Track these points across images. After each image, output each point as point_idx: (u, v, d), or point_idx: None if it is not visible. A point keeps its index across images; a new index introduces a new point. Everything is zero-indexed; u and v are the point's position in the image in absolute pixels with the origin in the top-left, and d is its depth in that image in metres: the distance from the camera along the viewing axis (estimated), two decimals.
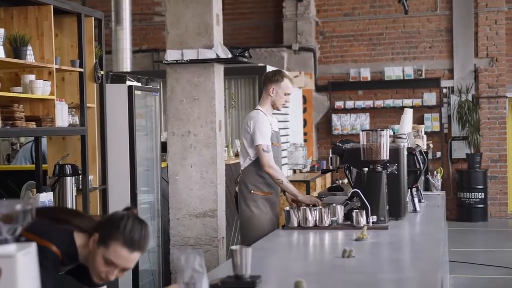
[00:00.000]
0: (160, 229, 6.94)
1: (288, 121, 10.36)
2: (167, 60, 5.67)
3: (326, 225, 4.43)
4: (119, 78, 7.20)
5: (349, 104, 13.00)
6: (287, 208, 4.54)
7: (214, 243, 5.69)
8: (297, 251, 4.18)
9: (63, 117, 5.44)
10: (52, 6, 5.34)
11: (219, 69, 5.80)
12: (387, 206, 4.57)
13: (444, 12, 12.84)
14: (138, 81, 7.34)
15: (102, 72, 6.08)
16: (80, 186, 5.72)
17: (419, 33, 12.94)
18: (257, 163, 5.20)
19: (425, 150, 6.40)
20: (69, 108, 5.60)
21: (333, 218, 4.47)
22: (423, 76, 12.84)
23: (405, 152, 4.93)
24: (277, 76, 5.30)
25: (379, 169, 4.60)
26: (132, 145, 6.39)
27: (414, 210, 5.22)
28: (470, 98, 12.51)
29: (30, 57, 5.12)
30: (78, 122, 5.72)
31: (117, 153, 6.30)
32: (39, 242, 2.54)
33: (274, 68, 7.27)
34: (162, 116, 9.00)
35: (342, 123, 13.01)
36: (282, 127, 9.46)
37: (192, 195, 5.70)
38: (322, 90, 13.16)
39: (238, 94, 10.20)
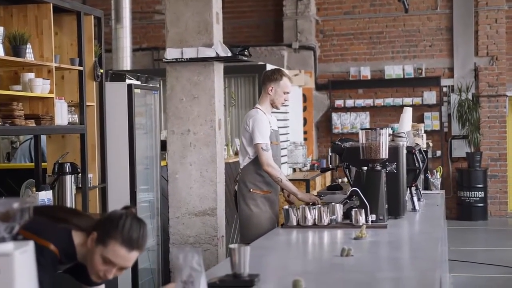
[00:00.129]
0: (160, 227, 6.94)
1: (288, 119, 10.36)
2: (166, 59, 5.66)
3: (325, 224, 4.43)
4: (119, 76, 7.20)
5: (349, 102, 13.00)
6: (286, 206, 4.54)
7: (213, 241, 5.69)
8: (296, 249, 4.18)
9: (63, 115, 5.44)
10: (51, 4, 5.34)
11: (219, 68, 5.80)
12: (386, 205, 4.57)
13: (444, 10, 12.83)
14: (137, 80, 7.34)
15: (101, 71, 6.08)
16: (80, 185, 5.72)
17: (419, 31, 12.94)
18: (256, 161, 5.20)
19: (425, 149, 6.39)
20: (68, 106, 5.60)
21: (332, 217, 4.47)
22: (423, 75, 12.84)
23: (404, 151, 4.93)
24: (276, 75, 5.30)
25: (378, 168, 4.60)
26: (131, 143, 6.39)
27: (413, 209, 5.22)
28: (470, 96, 12.51)
29: (29, 56, 5.12)
30: (77, 121, 5.72)
31: (116, 151, 6.30)
32: (37, 241, 2.54)
33: (274, 67, 7.27)
34: (162, 114, 9.00)
35: (342, 122, 13.01)
36: (282, 125, 9.46)
37: (191, 193, 5.69)
38: (322, 88, 13.16)
39: (238, 92, 10.20)
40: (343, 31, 13.18)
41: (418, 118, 12.32)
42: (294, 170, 10.36)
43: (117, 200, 5.97)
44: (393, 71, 12.85)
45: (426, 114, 12.73)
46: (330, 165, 5.33)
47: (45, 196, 5.28)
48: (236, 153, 8.09)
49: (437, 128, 12.72)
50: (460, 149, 12.69)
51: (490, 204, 12.61)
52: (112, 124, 6.24)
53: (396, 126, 6.20)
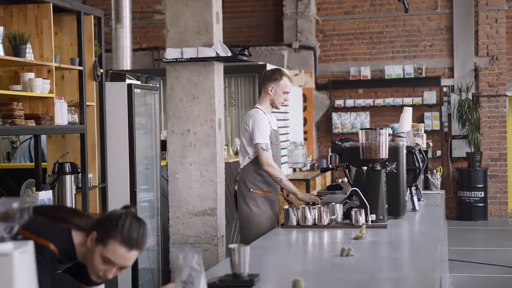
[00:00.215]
0: (160, 227, 6.94)
1: (288, 119, 10.36)
2: (166, 59, 5.66)
3: (325, 223, 4.43)
4: (119, 76, 7.20)
5: (349, 102, 13.00)
6: (286, 206, 4.54)
7: (213, 241, 5.69)
8: (296, 249, 4.18)
9: (63, 115, 5.44)
10: (51, 4, 5.34)
11: (219, 68, 5.80)
12: (386, 205, 4.57)
13: (444, 10, 12.83)
14: (137, 79, 7.34)
15: (101, 70, 6.08)
16: (80, 184, 5.72)
17: (419, 31, 12.94)
18: (256, 161, 5.20)
19: (425, 149, 6.39)
20: (68, 106, 5.60)
21: (332, 216, 4.47)
22: (423, 75, 12.84)
23: (404, 151, 4.93)
24: (275, 75, 5.30)
25: (378, 167, 4.60)
26: (131, 143, 6.39)
27: (413, 209, 5.22)
28: (470, 96, 12.51)
29: (29, 55, 5.12)
30: (77, 120, 5.72)
31: (116, 151, 6.30)
32: (37, 241, 2.54)
33: (274, 67, 7.26)
34: (162, 114, 9.00)
35: (342, 122, 13.01)
36: (282, 125, 9.46)
37: (191, 193, 5.69)
38: (322, 88, 13.16)
39: (238, 92, 10.20)
40: (343, 31, 13.18)
41: (418, 118, 12.32)
42: (294, 170, 10.36)
43: (117, 200, 5.96)
44: (393, 71, 12.85)
45: (426, 114, 12.73)
46: (330, 165, 5.32)
47: (45, 196, 5.28)
48: (236, 153, 8.09)
49: (437, 128, 12.72)
50: (460, 149, 12.69)
51: (490, 204, 12.60)
52: (112, 124, 6.24)
53: (396, 126, 6.20)
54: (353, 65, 13.11)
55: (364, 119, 12.94)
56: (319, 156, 12.85)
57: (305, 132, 12.28)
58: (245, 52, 5.77)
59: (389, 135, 5.04)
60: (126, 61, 11.07)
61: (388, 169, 4.68)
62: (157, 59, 12.90)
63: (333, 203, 4.54)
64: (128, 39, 11.14)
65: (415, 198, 5.27)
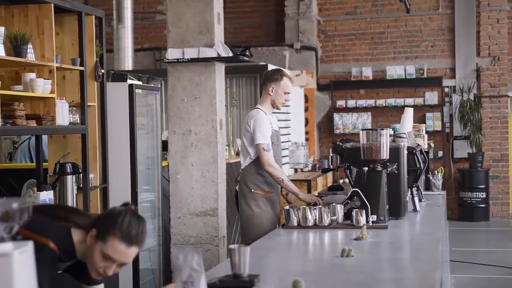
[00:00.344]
0: (161, 228, 6.94)
1: (289, 120, 10.36)
2: (168, 59, 5.66)
3: (326, 224, 4.43)
4: (120, 76, 7.20)
5: (351, 103, 12.99)
6: (287, 207, 4.54)
7: (215, 242, 5.69)
8: (297, 250, 4.18)
9: (64, 115, 5.44)
10: (52, 4, 5.34)
11: (220, 68, 5.80)
12: (387, 206, 4.57)
13: (446, 11, 12.83)
14: (139, 80, 7.34)
15: (102, 71, 6.08)
16: (81, 185, 5.72)
17: (421, 32, 12.93)
18: (258, 162, 5.20)
19: (426, 150, 6.39)
20: (69, 106, 5.60)
21: (333, 217, 4.47)
22: (425, 75, 12.83)
23: (405, 152, 4.93)
24: (276, 75, 5.30)
25: (379, 168, 4.60)
26: (133, 143, 6.39)
27: (414, 210, 5.22)
28: (472, 97, 12.50)
29: (30, 56, 5.12)
30: (78, 121, 5.72)
31: (117, 151, 6.30)
32: (37, 239, 2.55)
33: (275, 67, 7.27)
34: (163, 114, 9.00)
35: (344, 122, 13.01)
36: (283, 126, 9.46)
37: (193, 194, 5.70)
38: (323, 89, 13.15)
39: (239, 93, 10.20)
40: (345, 32, 13.18)
41: (420, 119, 12.32)
42: (296, 170, 10.36)
43: (118, 200, 5.90)
44: (394, 71, 12.84)
45: (428, 114, 12.72)
46: (331, 166, 5.33)
47: (46, 196, 5.28)
48: (237, 154, 8.09)
49: (439, 128, 12.71)
50: (462, 149, 12.68)
51: (492, 205, 12.59)
52: (113, 124, 6.24)
53: (398, 127, 6.20)
54: (355, 65, 13.11)
55: (365, 119, 12.94)
56: (321, 156, 12.85)
57: (306, 133, 12.28)
58: (246, 53, 5.78)
59: (390, 135, 5.03)
60: (127, 62, 11.07)
61: (389, 169, 4.68)
62: (158, 59, 12.91)
63: (334, 204, 4.54)
64: (130, 40, 11.15)
65: (416, 199, 5.27)
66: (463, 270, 8.27)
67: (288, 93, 5.35)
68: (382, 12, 13.05)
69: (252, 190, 5.24)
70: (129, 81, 6.80)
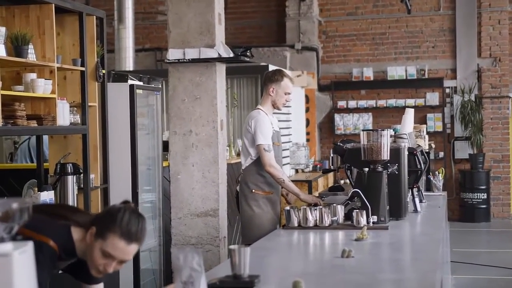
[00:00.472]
0: (162, 228, 6.94)
1: (290, 120, 10.36)
2: (169, 59, 5.66)
3: (326, 225, 4.43)
4: (121, 77, 7.20)
5: (352, 103, 12.99)
6: (288, 207, 4.54)
7: (215, 242, 5.69)
8: (297, 251, 4.18)
9: (65, 116, 5.44)
10: (53, 4, 5.34)
11: (221, 69, 5.80)
12: (388, 206, 4.57)
13: (447, 11, 12.82)
14: (140, 80, 7.34)
15: (103, 71, 6.08)
16: (82, 185, 5.73)
17: (422, 32, 12.93)
18: (258, 162, 5.21)
19: (427, 150, 6.39)
20: (70, 107, 5.60)
21: (334, 218, 4.47)
22: (426, 76, 12.82)
23: (406, 152, 4.93)
24: (277, 76, 5.30)
25: (380, 169, 4.60)
26: (133, 144, 6.39)
27: (415, 210, 5.22)
28: (473, 98, 12.49)
29: (31, 56, 5.13)
30: (79, 121, 5.72)
31: (118, 152, 6.30)
32: (36, 237, 2.56)
33: (276, 68, 7.27)
34: (164, 115, 9.00)
35: (345, 123, 13.00)
36: (284, 126, 9.45)
37: (193, 194, 5.69)
38: (324, 89, 13.15)
39: (240, 93, 10.19)
40: (346, 32, 13.17)
41: (420, 119, 12.31)
42: (297, 171, 10.35)
43: (119, 200, 5.94)
44: (395, 72, 12.84)
45: (429, 115, 12.72)
46: (331, 166, 5.33)
47: (47, 197, 5.29)
48: (238, 154, 8.09)
49: (440, 129, 12.70)
50: (462, 150, 12.68)
51: (493, 206, 12.58)
52: (114, 125, 6.24)
53: (399, 127, 6.19)
54: (356, 66, 13.10)
55: (366, 120, 12.94)
56: (322, 157, 12.84)
57: (307, 133, 12.27)
58: (247, 53, 5.77)
59: (391, 136, 5.03)
60: (128, 62, 11.07)
61: (389, 170, 4.68)
62: (159, 59, 12.90)
63: (334, 205, 4.54)
64: (131, 40, 11.15)
65: (416, 200, 5.27)
66: (463, 271, 8.26)
67: (289, 93, 5.35)
68: (383, 13, 13.05)
69: (253, 190, 5.24)
70: (130, 82, 6.80)
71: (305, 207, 4.53)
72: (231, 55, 5.58)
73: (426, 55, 12.93)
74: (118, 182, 6.27)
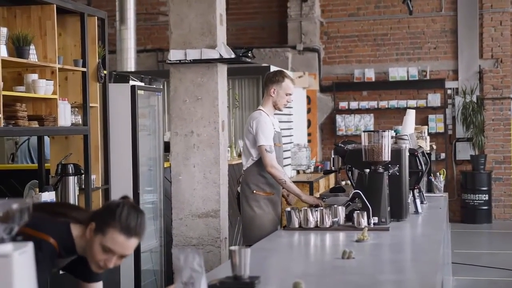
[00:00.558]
0: (163, 229, 6.95)
1: (292, 121, 10.36)
2: (170, 60, 5.66)
3: (327, 226, 4.43)
4: (123, 77, 7.20)
5: (353, 104, 12.99)
6: (289, 208, 4.54)
7: (216, 243, 5.69)
8: (298, 252, 4.17)
9: (66, 116, 5.45)
10: (55, 5, 5.34)
11: (223, 69, 5.80)
12: (389, 208, 4.56)
13: (448, 13, 12.82)
14: (141, 81, 7.34)
15: (105, 72, 6.09)
16: (83, 186, 5.73)
17: (423, 33, 12.92)
18: (260, 163, 5.21)
19: (428, 151, 6.38)
20: (71, 107, 5.61)
21: (334, 219, 4.46)
22: (428, 77, 12.82)
23: (407, 153, 4.92)
24: (278, 77, 5.31)
25: (381, 170, 4.60)
26: (135, 144, 6.39)
27: (416, 212, 5.21)
28: (474, 99, 12.48)
29: (33, 57, 5.13)
30: (80, 122, 5.72)
31: (120, 152, 6.30)
32: (36, 235, 2.57)
33: (277, 69, 7.27)
34: (166, 116, 9.01)
35: (346, 124, 13.00)
36: (286, 127, 9.46)
37: (195, 195, 5.69)
38: (326, 90, 13.15)
39: (241, 94, 10.20)
40: (348, 33, 13.17)
41: (422, 121, 12.31)
42: (298, 172, 10.35)
43: None
44: (397, 73, 12.83)
45: (430, 116, 12.71)
46: (333, 167, 5.32)
47: (48, 197, 5.29)
48: (240, 155, 8.08)
49: (442, 130, 12.70)
50: (464, 151, 12.67)
51: (494, 207, 12.57)
52: (115, 125, 6.25)
53: (400, 129, 6.19)
54: (357, 67, 13.10)
55: (368, 121, 12.93)
56: (323, 158, 12.84)
57: (309, 134, 12.27)
58: (249, 54, 5.77)
59: (392, 137, 5.03)
60: (130, 63, 11.08)
61: (390, 171, 4.68)
62: (161, 60, 12.91)
63: (335, 206, 4.54)
64: (132, 41, 11.15)
65: (417, 201, 5.27)
66: (465, 272, 8.26)
67: (290, 94, 5.35)
68: (385, 14, 13.05)
69: (254, 191, 5.24)
70: (132, 82, 6.80)
71: (306, 208, 4.52)
72: (233, 56, 5.58)
73: (427, 56, 12.92)
74: (119, 182, 6.27)
